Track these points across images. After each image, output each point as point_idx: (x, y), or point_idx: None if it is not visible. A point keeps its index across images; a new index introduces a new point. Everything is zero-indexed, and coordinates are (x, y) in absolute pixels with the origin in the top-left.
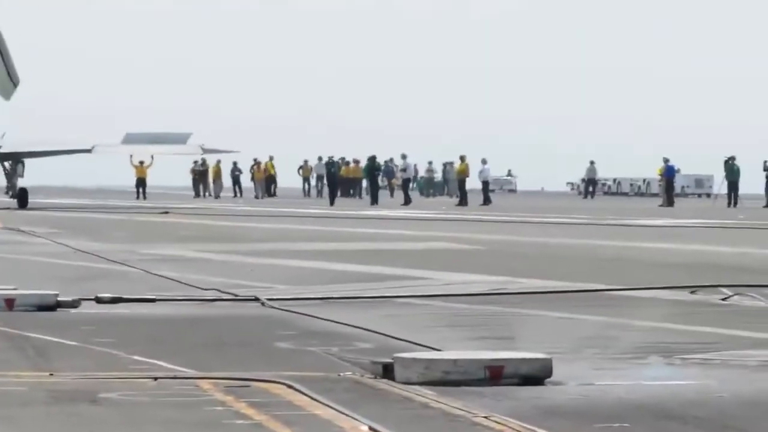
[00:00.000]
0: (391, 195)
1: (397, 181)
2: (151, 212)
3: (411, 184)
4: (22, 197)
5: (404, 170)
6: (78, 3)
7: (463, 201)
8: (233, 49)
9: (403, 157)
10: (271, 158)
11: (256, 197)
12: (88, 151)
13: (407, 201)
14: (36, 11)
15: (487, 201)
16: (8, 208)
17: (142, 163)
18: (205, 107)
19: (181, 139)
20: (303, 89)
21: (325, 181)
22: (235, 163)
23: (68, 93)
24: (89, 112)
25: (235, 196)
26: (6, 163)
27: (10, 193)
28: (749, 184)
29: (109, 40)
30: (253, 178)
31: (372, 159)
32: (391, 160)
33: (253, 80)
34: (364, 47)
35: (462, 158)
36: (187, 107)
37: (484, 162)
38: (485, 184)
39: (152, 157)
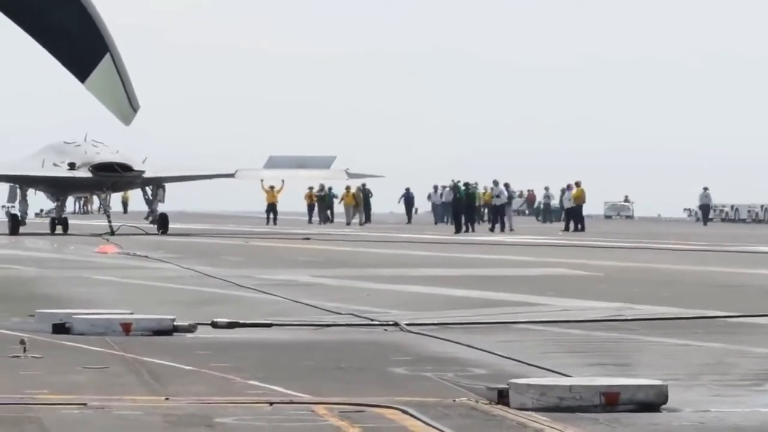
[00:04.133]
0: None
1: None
2: (293, 238)
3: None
4: (162, 222)
5: (498, 196)
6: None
7: (579, 226)
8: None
9: (495, 183)
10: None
11: (347, 224)
12: (231, 175)
13: (494, 227)
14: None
15: (567, 227)
16: (147, 234)
17: (272, 188)
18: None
19: (325, 163)
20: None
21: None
22: (331, 189)
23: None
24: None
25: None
26: (147, 189)
27: (150, 218)
28: None
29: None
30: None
31: (467, 185)
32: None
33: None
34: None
35: (577, 184)
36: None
37: (568, 188)
38: (569, 210)
39: (283, 181)
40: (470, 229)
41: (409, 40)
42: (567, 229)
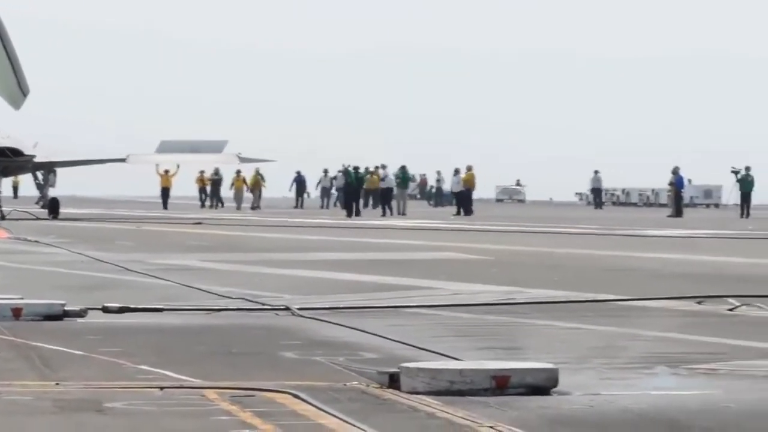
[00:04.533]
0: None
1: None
2: (184, 223)
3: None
4: (53, 207)
5: (384, 180)
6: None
7: (468, 211)
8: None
9: (383, 167)
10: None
11: (237, 208)
12: (122, 160)
13: (384, 211)
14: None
15: (458, 211)
16: (38, 218)
17: (167, 172)
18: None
19: (217, 147)
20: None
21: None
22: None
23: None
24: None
25: (213, 206)
26: (38, 173)
27: (41, 203)
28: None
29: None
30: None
31: (356, 169)
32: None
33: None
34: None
35: (469, 168)
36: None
37: (457, 172)
38: (458, 194)
39: (177, 165)
40: (358, 213)
41: (298, 31)
42: (458, 213)
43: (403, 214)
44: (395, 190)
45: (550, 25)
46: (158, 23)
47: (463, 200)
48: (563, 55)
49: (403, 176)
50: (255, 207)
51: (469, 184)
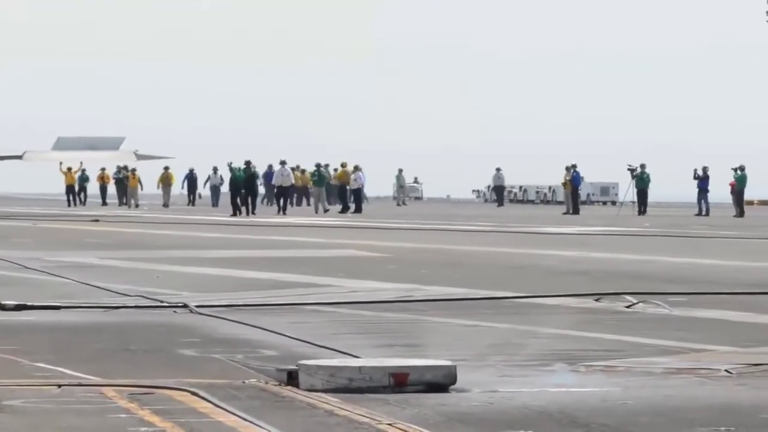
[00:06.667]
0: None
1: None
2: (81, 220)
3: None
4: None
5: (281, 177)
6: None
7: (345, 208)
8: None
9: (282, 163)
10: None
11: (128, 206)
12: (19, 157)
13: (280, 209)
14: None
15: (357, 209)
16: None
17: (70, 169)
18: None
19: (113, 144)
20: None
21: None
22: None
23: None
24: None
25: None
26: None
27: None
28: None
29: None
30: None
31: (248, 165)
32: (270, 167)
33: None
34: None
35: (343, 165)
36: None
37: (356, 169)
38: (357, 191)
39: (81, 162)
40: (243, 212)
41: (195, 19)
42: (345, 210)
43: (322, 211)
44: (311, 188)
45: (445, 16)
46: (42, 13)
47: (341, 196)
48: (456, 49)
49: (320, 174)
50: (164, 204)
51: (341, 180)
